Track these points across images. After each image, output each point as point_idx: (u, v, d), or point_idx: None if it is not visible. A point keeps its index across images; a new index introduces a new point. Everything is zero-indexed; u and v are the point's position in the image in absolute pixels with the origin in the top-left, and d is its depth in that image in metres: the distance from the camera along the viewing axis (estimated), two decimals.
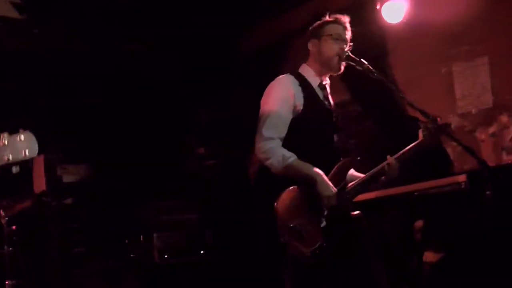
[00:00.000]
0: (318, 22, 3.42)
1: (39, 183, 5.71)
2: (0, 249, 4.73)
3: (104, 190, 6.44)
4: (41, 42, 6.01)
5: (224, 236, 6.31)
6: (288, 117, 3.23)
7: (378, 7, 5.14)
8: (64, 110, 6.28)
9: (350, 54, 3.30)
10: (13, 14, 5.73)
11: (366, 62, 3.25)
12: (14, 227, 4.77)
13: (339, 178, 3.18)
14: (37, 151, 2.15)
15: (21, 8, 5.74)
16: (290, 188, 3.10)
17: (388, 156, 3.19)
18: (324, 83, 3.38)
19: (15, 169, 2.18)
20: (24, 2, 5.73)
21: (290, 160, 3.11)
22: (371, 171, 3.22)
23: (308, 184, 3.08)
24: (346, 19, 3.38)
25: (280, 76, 3.36)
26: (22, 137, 2.14)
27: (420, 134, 3.20)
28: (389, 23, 5.20)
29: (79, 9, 5.77)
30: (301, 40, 3.53)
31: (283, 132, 3.21)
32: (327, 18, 3.40)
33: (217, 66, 6.65)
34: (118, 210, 6.33)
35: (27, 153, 2.12)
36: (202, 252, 6.11)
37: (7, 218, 4.75)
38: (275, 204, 3.08)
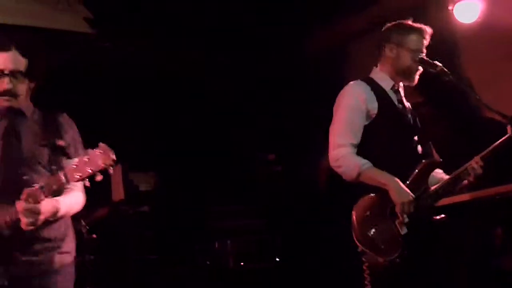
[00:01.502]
0: (401, 26, 3.34)
1: (118, 192, 5.83)
2: (80, 258, 4.86)
3: (175, 197, 6.53)
4: (112, 55, 6.18)
5: (294, 243, 6.29)
6: (361, 123, 3.19)
7: (450, 7, 5.02)
8: (135, 121, 6.41)
9: (424, 57, 3.25)
10: (86, 28, 5.91)
11: (440, 64, 3.20)
12: (94, 235, 4.90)
13: (420, 182, 3.10)
14: (113, 161, 2.52)
15: (93, 22, 5.91)
16: (367, 195, 3.07)
17: (475, 157, 3.06)
18: (397, 87, 3.34)
19: (99, 178, 2.55)
20: (95, 17, 5.91)
21: (363, 168, 3.07)
22: (454, 172, 3.11)
23: (384, 191, 3.05)
24: (429, 31, 3.32)
25: (351, 82, 3.33)
26: (100, 150, 2.52)
27: (509, 129, 3.02)
28: (460, 22, 5.08)
29: (146, 21, 5.90)
30: (367, 43, 3.47)
31: (356, 138, 3.17)
32: (410, 23, 3.34)
33: (280, 71, 6.66)
34: (189, 217, 6.42)
35: (105, 163, 2.50)
36: (276, 258, 6.09)
37: (87, 227, 4.88)
38: (352, 212, 3.06)
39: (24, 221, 2.63)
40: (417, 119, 3.40)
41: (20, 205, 2.62)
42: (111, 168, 2.53)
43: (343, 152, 3.14)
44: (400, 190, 3.01)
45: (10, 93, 2.87)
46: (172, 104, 6.64)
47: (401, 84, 3.37)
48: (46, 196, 2.63)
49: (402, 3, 5.10)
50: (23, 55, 2.94)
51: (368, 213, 3.05)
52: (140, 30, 5.99)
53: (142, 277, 5.81)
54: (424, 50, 3.28)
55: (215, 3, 5.86)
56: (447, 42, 5.29)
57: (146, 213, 6.26)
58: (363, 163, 3.08)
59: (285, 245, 6.23)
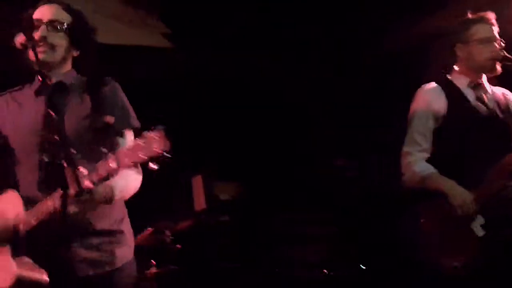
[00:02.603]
0: (461, 22, 3.27)
1: (199, 202, 5.91)
2: (165, 268, 4.93)
3: (255, 206, 6.58)
4: (189, 68, 6.31)
5: (364, 250, 6.19)
6: (428, 128, 3.15)
7: None
8: (214, 131, 6.51)
9: (505, 54, 3.14)
10: (164, 43, 6.06)
11: None
12: (178, 245, 4.98)
13: (502, 176, 2.98)
14: (168, 146, 2.17)
15: (171, 37, 6.06)
16: (437, 201, 3.01)
17: None
18: (475, 83, 3.24)
19: (153, 165, 2.20)
20: (173, 32, 6.05)
21: (421, 175, 3.06)
22: None
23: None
24: (491, 16, 3.22)
25: (423, 85, 3.29)
26: (153, 134, 2.20)
27: None
28: None
29: (223, 33, 5.99)
30: (443, 43, 3.42)
31: (424, 144, 3.14)
32: (469, 15, 3.26)
33: (353, 73, 6.59)
34: (269, 225, 6.44)
35: (158, 148, 2.16)
36: (345, 266, 6.02)
37: (171, 237, 4.97)
38: (421, 218, 3.01)
39: (73, 210, 2.34)
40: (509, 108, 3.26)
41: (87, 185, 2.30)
42: (166, 155, 2.18)
43: (407, 159, 3.16)
44: (455, 192, 2.96)
45: (46, 43, 2.60)
46: (249, 113, 6.70)
47: (484, 77, 3.27)
48: (93, 184, 2.27)
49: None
50: (69, 11, 2.76)
51: (439, 218, 2.99)
52: (216, 42, 6.08)
53: (225, 286, 5.87)
54: (496, 36, 3.17)
55: (288, 11, 5.88)
56: None
57: (227, 222, 6.32)
58: (422, 170, 3.07)
59: (361, 253, 6.15)
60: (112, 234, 2.65)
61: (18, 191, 2.50)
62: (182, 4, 5.80)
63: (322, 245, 6.09)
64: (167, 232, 4.90)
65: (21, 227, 2.36)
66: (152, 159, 2.17)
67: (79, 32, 2.74)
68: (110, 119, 2.56)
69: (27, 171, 2.55)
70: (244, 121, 6.66)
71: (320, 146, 7.07)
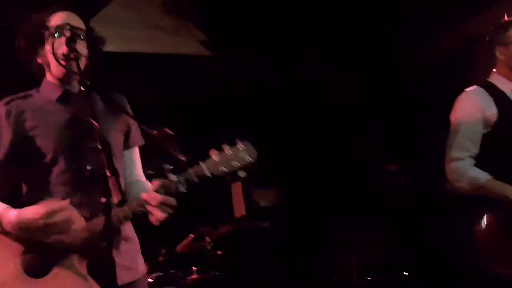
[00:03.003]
0: (499, 25, 3.23)
1: (239, 208, 5.93)
2: (206, 274, 4.96)
3: (296, 212, 6.56)
4: (228, 76, 6.35)
5: (418, 256, 6.11)
6: (478, 132, 3.08)
7: None
8: (253, 138, 6.51)
9: None
10: (202, 51, 6.12)
11: None
12: (219, 252, 5.01)
13: None
14: (256, 156, 2.46)
15: (209, 45, 6.11)
16: (493, 207, 2.95)
17: None
18: None
19: (242, 174, 2.44)
20: (211, 40, 6.10)
21: (481, 182, 2.97)
22: None
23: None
24: None
25: (466, 89, 3.24)
26: (242, 145, 2.46)
27: None
28: None
29: (261, 40, 6.01)
30: (482, 47, 3.37)
31: (473, 149, 3.07)
32: (505, 18, 3.22)
33: (394, 78, 6.54)
34: (311, 231, 6.41)
35: (249, 158, 2.44)
36: (404, 273, 5.94)
37: (212, 244, 5.00)
38: (476, 224, 2.95)
39: (159, 215, 2.39)
40: None
41: (154, 197, 2.38)
42: (254, 165, 2.41)
43: (459, 165, 3.07)
44: None
45: (78, 53, 2.49)
46: (291, 119, 6.70)
47: None
48: (178, 189, 2.40)
49: None
50: (82, 19, 2.69)
51: (498, 225, 2.92)
52: (257, 50, 6.11)
53: None
54: None
55: (330, 20, 5.88)
56: None
57: (267, 229, 6.32)
58: (481, 177, 2.98)
59: (413, 259, 6.07)
60: (134, 241, 2.72)
61: (38, 197, 2.49)
62: (223, 12, 5.85)
63: (372, 250, 6.04)
64: (208, 239, 4.94)
65: (85, 235, 2.40)
66: (243, 167, 2.40)
67: (93, 40, 2.73)
68: (128, 127, 2.74)
69: (61, 179, 2.54)
70: (288, 126, 6.66)
71: (372, 151, 7.03)
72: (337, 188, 6.59)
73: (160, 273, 4.77)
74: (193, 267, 4.96)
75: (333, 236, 6.26)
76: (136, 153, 2.82)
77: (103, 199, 2.04)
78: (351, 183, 6.71)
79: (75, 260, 2.42)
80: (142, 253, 2.76)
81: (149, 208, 2.40)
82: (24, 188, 2.64)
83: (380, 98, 6.71)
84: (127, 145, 2.76)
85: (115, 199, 2.00)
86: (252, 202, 6.20)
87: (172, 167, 2.49)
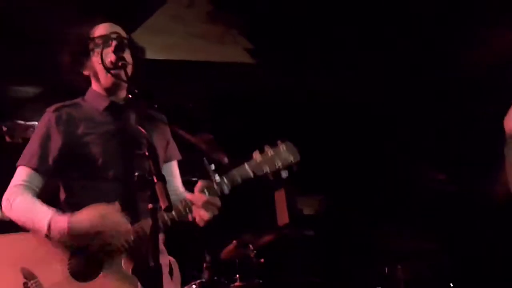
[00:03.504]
0: None
1: (282, 216, 5.92)
2: (249, 282, 4.96)
3: (340, 220, 6.51)
4: (272, 83, 6.35)
5: (469, 267, 5.98)
6: None
7: None
8: (297, 145, 6.49)
9: None
10: (247, 59, 6.14)
11: None
12: (262, 259, 5.00)
13: None
14: (299, 156, 2.50)
15: (253, 52, 6.13)
16: None
17: None
18: None
19: (284, 174, 2.49)
20: (255, 47, 6.12)
21: None
22: None
23: None
24: None
25: None
26: (284, 146, 2.51)
27: None
28: None
29: (305, 47, 6.00)
30: None
31: None
32: None
33: (445, 87, 6.42)
34: (355, 240, 6.35)
35: (292, 158, 2.48)
36: (451, 284, 5.82)
37: (255, 251, 5.00)
38: None
39: (204, 215, 2.44)
40: None
41: (199, 197, 2.43)
42: (296, 166, 2.46)
43: None
44: None
45: (123, 60, 2.53)
46: (337, 126, 6.66)
47: None
48: (222, 189, 2.45)
49: None
50: (123, 28, 2.74)
51: None
52: (301, 57, 6.10)
53: None
54: None
55: (370, 30, 5.83)
56: None
57: (311, 237, 6.28)
58: None
59: (460, 270, 5.94)
60: (165, 255, 2.75)
61: (83, 203, 2.51)
62: (266, 20, 5.86)
63: (419, 261, 5.94)
64: (251, 246, 4.94)
65: (131, 238, 2.43)
66: (285, 167, 2.45)
67: (135, 50, 2.76)
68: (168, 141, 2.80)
69: (107, 185, 2.58)
70: (333, 133, 6.62)
71: (420, 160, 6.94)
72: (383, 197, 6.51)
73: (203, 280, 4.80)
74: (236, 274, 4.98)
75: (379, 245, 6.18)
76: (174, 166, 2.87)
77: (150, 205, 2.06)
78: (398, 191, 6.62)
79: (122, 262, 2.45)
80: (187, 259, 2.77)
81: (194, 208, 2.45)
82: (63, 193, 2.67)
83: (429, 107, 6.61)
84: (165, 159, 2.82)
85: (162, 204, 2.00)
86: (296, 210, 6.17)
87: (215, 168, 2.52)
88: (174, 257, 2.96)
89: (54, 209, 2.51)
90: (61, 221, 2.43)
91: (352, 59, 6.21)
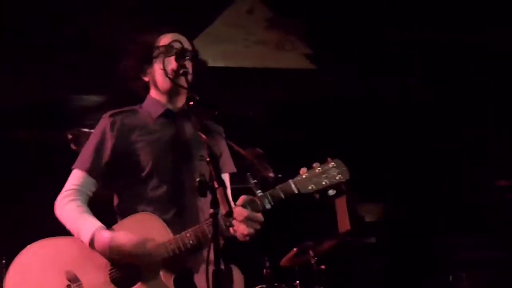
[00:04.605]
0: None
1: (343, 223, 5.87)
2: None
3: (403, 228, 6.41)
4: (332, 89, 6.31)
5: None
6: None
7: None
8: (358, 153, 6.44)
9: None
10: (307, 65, 6.12)
11: None
12: (323, 266, 4.97)
13: None
14: (348, 175, 2.44)
15: (314, 58, 6.11)
16: None
17: None
18: None
19: (331, 192, 2.45)
20: (315, 53, 6.10)
21: None
22: None
23: None
24: None
25: None
26: (333, 163, 2.46)
27: None
28: None
29: (365, 53, 5.94)
30: None
31: None
32: None
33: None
34: (418, 248, 6.24)
35: (340, 177, 2.44)
36: None
37: (316, 258, 4.97)
38: None
39: (244, 230, 2.40)
40: None
41: (240, 212, 2.39)
42: (345, 185, 2.42)
43: None
44: None
45: (184, 68, 2.58)
46: (398, 134, 6.56)
47: None
48: (264, 204, 2.42)
49: None
50: (188, 40, 2.80)
51: None
52: (361, 63, 6.05)
53: None
54: None
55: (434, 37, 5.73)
56: None
57: (372, 245, 6.21)
58: None
59: None
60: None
61: (131, 209, 2.58)
62: (326, 26, 5.84)
63: (484, 270, 5.79)
64: (311, 253, 4.91)
65: (172, 251, 2.45)
66: (332, 186, 2.42)
67: (198, 62, 2.80)
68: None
69: (156, 193, 2.61)
70: (395, 141, 6.53)
71: (485, 168, 6.77)
72: (447, 203, 6.38)
73: (263, 286, 4.80)
74: (297, 281, 4.96)
75: (442, 253, 6.05)
76: (226, 178, 2.84)
77: (211, 210, 2.05)
78: (463, 198, 6.47)
79: (161, 273, 2.48)
80: (247, 265, 2.75)
81: (235, 223, 2.42)
82: (116, 199, 2.74)
83: (495, 112, 6.45)
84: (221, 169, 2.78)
85: (223, 209, 2.00)
86: (358, 217, 6.11)
87: (257, 181, 2.50)
88: (234, 264, 2.96)
89: (99, 223, 2.56)
90: (103, 238, 2.50)
91: (415, 63, 6.11)
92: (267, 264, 4.98)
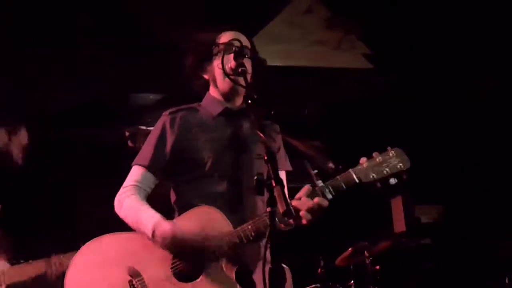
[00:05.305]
0: None
1: (399, 224, 5.83)
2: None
3: (459, 230, 6.31)
4: (388, 89, 6.26)
5: None
6: None
7: None
8: (414, 153, 6.34)
9: None
10: (365, 65, 6.09)
11: None
12: (377, 267, 4.95)
13: None
14: (409, 163, 2.43)
15: (372, 58, 6.07)
16: None
17: None
18: None
19: (393, 181, 2.43)
20: (374, 53, 6.06)
21: None
22: None
23: None
24: None
25: None
26: (393, 152, 2.45)
27: None
28: None
29: (426, 52, 5.87)
30: None
31: None
32: None
33: None
34: (474, 250, 6.13)
35: (401, 165, 2.43)
36: None
37: (371, 258, 4.95)
38: None
39: (308, 217, 2.42)
40: None
41: (304, 202, 2.42)
42: (406, 173, 2.39)
43: None
44: None
45: (243, 67, 2.58)
46: (456, 135, 6.46)
47: None
48: (324, 195, 2.43)
49: None
50: (248, 38, 2.80)
51: None
52: (421, 63, 5.98)
53: None
54: None
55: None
56: None
57: (428, 246, 6.13)
58: None
59: None
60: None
61: (191, 206, 2.58)
62: (383, 26, 5.80)
63: None
64: (366, 253, 4.90)
65: (234, 243, 2.46)
66: (393, 175, 2.41)
67: (257, 60, 2.80)
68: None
69: (214, 189, 2.62)
70: (453, 142, 6.43)
71: None
72: (504, 206, 6.24)
73: (318, 285, 4.82)
74: (351, 281, 4.97)
75: (498, 255, 5.93)
76: (282, 175, 2.83)
77: (269, 208, 2.06)
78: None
79: (223, 265, 2.49)
80: (302, 264, 2.75)
81: (299, 213, 2.42)
82: (174, 196, 2.76)
83: None
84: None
85: (281, 208, 2.01)
86: (413, 218, 6.04)
87: (317, 171, 2.48)
88: (288, 262, 2.97)
89: (159, 215, 2.59)
90: (165, 229, 2.51)
91: (474, 63, 6.00)
92: (322, 263, 5.00)
